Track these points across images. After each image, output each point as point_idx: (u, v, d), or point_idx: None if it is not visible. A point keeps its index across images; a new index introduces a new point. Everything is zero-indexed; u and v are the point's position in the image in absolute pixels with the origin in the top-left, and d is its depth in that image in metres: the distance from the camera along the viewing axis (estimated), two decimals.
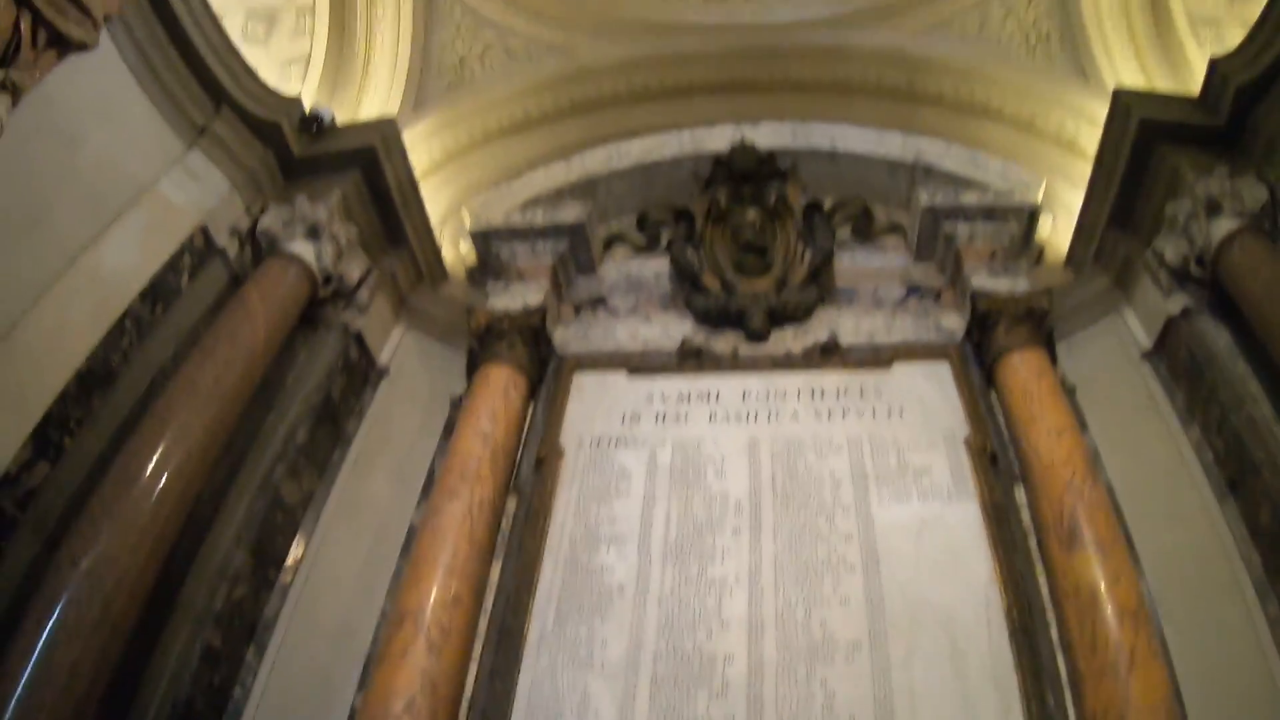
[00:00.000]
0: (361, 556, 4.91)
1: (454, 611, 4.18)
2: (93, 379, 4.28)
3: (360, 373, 5.60)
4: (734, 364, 5.55)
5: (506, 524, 4.83)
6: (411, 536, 4.81)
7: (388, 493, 5.23)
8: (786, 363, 5.51)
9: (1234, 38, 5.44)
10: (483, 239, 6.06)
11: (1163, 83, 6.20)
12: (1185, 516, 4.64)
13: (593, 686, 4.11)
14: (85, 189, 4.45)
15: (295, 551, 4.78)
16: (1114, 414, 5.21)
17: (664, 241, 6.29)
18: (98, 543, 3.66)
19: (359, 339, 5.57)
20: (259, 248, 5.32)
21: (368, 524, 5.05)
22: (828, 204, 6.32)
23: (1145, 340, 5.38)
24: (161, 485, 3.95)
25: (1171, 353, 5.15)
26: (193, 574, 4.32)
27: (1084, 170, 6.13)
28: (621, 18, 7.47)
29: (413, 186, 6.10)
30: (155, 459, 4.00)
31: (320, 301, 5.41)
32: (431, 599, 4.17)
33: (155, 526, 3.84)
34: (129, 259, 4.60)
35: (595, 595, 4.45)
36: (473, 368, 5.51)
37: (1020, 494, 4.72)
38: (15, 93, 3.38)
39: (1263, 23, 4.94)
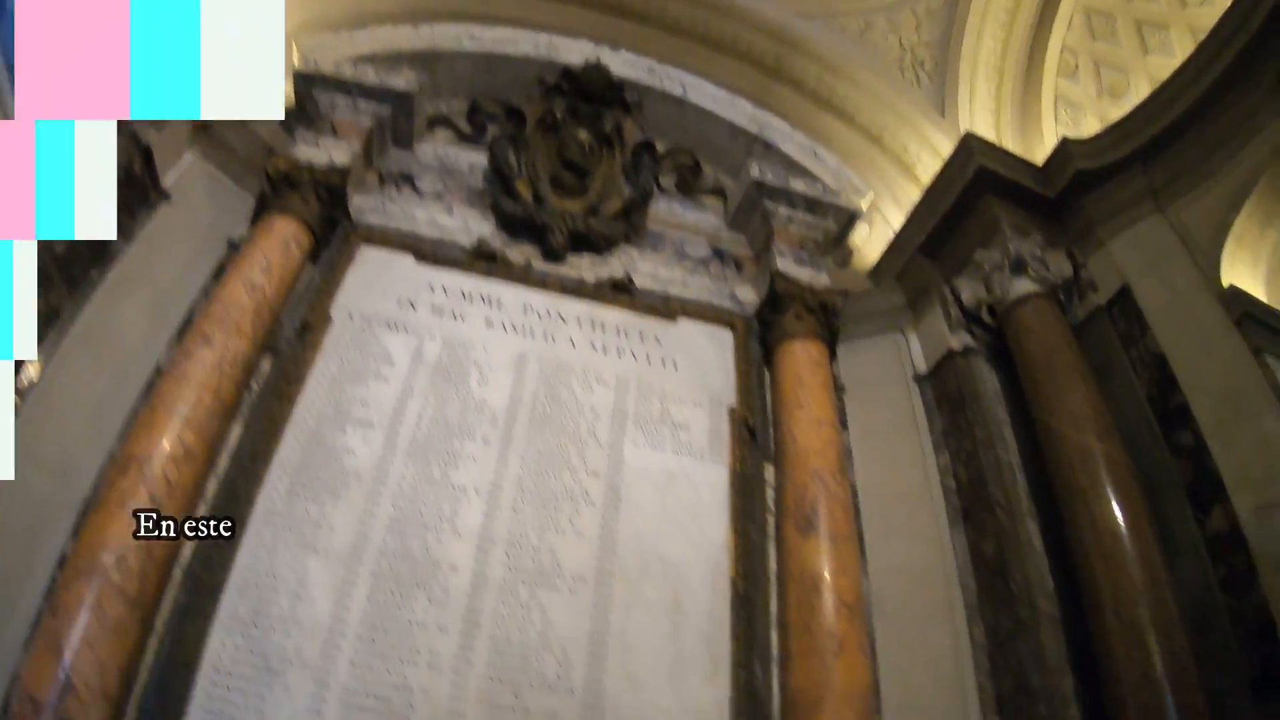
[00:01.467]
0: (100, 391, 4.35)
1: (184, 466, 3.81)
2: None
3: (140, 190, 4.94)
4: (524, 277, 5.38)
5: (257, 384, 4.47)
6: (155, 379, 4.35)
7: (141, 328, 4.68)
8: (576, 289, 5.41)
9: (1088, 127, 5.82)
10: (305, 82, 5.54)
11: (1009, 142, 6.51)
12: (917, 531, 4.95)
13: (313, 570, 3.90)
14: None
15: (27, 373, 4.14)
16: (875, 422, 5.46)
17: (489, 136, 6.01)
18: None
19: (147, 153, 4.92)
20: None
21: (113, 357, 4.49)
22: (661, 148, 6.26)
23: (922, 364, 5.68)
24: None
25: (942, 382, 5.45)
26: None
27: (912, 194, 6.45)
28: None
29: None
30: None
31: None
32: (162, 448, 3.78)
33: None
34: None
35: (332, 477, 4.21)
36: (260, 214, 5.06)
37: (770, 472, 4.85)
38: None
39: (1120, 124, 5.27)
